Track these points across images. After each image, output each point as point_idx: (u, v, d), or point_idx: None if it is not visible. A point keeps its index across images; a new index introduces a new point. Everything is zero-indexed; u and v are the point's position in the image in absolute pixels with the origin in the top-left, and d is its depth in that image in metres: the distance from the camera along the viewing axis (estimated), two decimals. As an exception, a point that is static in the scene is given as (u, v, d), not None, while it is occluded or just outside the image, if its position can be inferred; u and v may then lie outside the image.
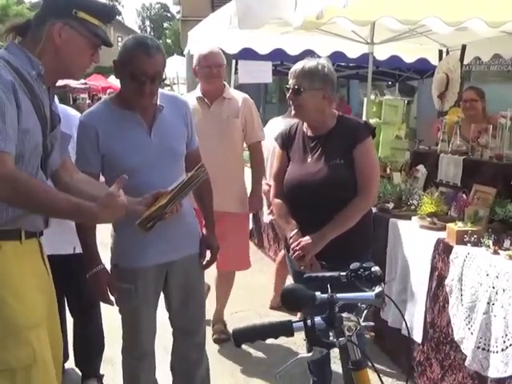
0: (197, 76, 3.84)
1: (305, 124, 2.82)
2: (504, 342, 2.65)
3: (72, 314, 3.21)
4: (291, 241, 2.68)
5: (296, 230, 2.69)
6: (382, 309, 1.51)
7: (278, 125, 4.45)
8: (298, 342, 3.67)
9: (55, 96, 2.09)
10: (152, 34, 61.43)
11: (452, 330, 3.03)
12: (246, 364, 3.72)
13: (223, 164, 3.69)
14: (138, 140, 2.41)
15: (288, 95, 2.72)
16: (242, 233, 4.10)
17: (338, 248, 2.58)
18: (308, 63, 2.67)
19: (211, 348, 2.91)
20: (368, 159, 2.69)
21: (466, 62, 5.52)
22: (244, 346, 3.77)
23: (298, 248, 2.63)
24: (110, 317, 2.80)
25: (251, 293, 4.86)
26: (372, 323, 1.57)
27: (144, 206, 2.18)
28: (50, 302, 2.03)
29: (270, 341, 1.54)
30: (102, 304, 2.55)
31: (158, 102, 2.45)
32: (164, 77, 2.42)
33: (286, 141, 2.86)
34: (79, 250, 2.52)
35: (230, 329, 3.92)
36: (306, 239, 2.62)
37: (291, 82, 2.69)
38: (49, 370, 1.95)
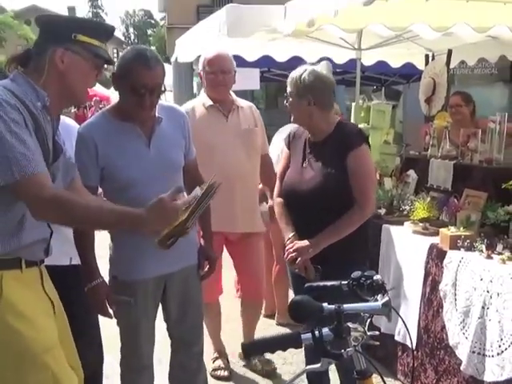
0: (202, 81, 3.55)
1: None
2: (499, 346, 2.67)
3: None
4: (287, 242, 2.70)
5: (293, 233, 2.71)
6: (389, 319, 1.51)
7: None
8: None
9: (59, 125, 2.07)
10: (136, 41, 61.45)
11: (446, 335, 3.05)
12: (244, 373, 3.71)
13: (249, 179, 3.46)
14: (137, 152, 2.40)
15: (286, 102, 2.77)
16: (262, 253, 3.75)
17: (336, 254, 2.57)
18: (295, 71, 2.70)
19: (207, 359, 2.90)
20: (361, 168, 2.62)
21: (451, 66, 5.56)
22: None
23: (292, 250, 2.64)
24: (105, 328, 2.77)
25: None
26: (377, 332, 1.58)
27: None
28: (60, 326, 2.01)
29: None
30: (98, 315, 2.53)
31: (157, 114, 2.44)
32: (164, 88, 2.42)
33: (292, 141, 2.89)
34: (76, 261, 2.50)
35: (226, 338, 3.90)
36: (302, 242, 2.63)
37: (288, 88, 2.74)
38: None
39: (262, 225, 3.60)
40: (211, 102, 3.40)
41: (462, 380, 2.96)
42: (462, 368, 2.90)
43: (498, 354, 2.68)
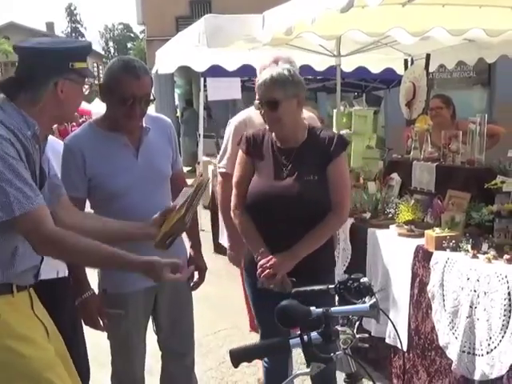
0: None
1: (273, 134, 2.62)
2: (488, 344, 2.68)
3: None
4: (260, 258, 2.50)
5: (263, 248, 2.52)
6: (377, 320, 1.51)
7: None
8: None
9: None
10: (116, 54, 61.36)
11: (436, 336, 3.06)
12: (235, 383, 3.68)
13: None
14: (125, 162, 2.39)
15: (263, 111, 2.51)
16: None
17: (306, 264, 2.48)
18: (274, 71, 2.49)
19: (198, 370, 2.88)
20: (342, 175, 2.59)
21: (431, 70, 5.62)
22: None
23: (268, 266, 2.46)
24: (96, 343, 2.75)
25: (233, 310, 4.82)
26: (366, 335, 1.58)
27: (156, 228, 2.17)
28: (56, 348, 2.00)
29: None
30: (88, 329, 2.50)
31: (144, 124, 2.43)
32: (152, 97, 2.42)
33: (252, 147, 2.64)
34: (62, 274, 2.48)
35: (216, 348, 3.88)
36: (278, 257, 2.46)
37: (262, 95, 2.50)
38: None
39: None
40: None
41: (454, 380, 2.97)
42: (452, 368, 2.91)
43: (487, 353, 2.70)
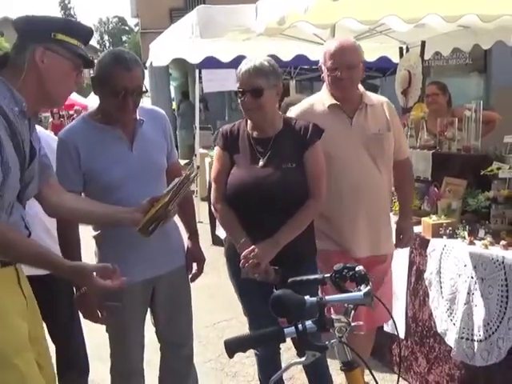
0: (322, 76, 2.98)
1: (249, 125, 2.66)
2: (486, 330, 2.70)
3: (51, 338, 3.14)
4: (242, 249, 2.51)
5: (245, 239, 2.53)
6: (372, 308, 1.51)
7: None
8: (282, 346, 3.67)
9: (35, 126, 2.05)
10: (111, 48, 61.13)
11: (435, 323, 3.07)
12: (234, 374, 3.70)
13: (377, 195, 2.87)
14: (120, 155, 2.39)
15: (245, 99, 2.52)
16: (390, 277, 3.08)
17: (287, 252, 2.50)
18: (255, 61, 2.51)
19: (197, 361, 2.88)
20: (318, 162, 2.62)
21: (426, 58, 5.60)
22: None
23: (251, 256, 2.47)
24: (96, 336, 2.75)
25: (232, 301, 4.81)
26: (361, 322, 1.58)
27: (141, 213, 2.18)
28: (32, 321, 1.99)
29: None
30: (87, 322, 2.50)
31: (138, 116, 2.42)
32: (145, 89, 2.41)
33: (229, 141, 2.66)
34: None
35: (216, 339, 3.89)
36: (260, 246, 2.48)
37: (246, 83, 2.50)
38: None
39: (392, 245, 3.02)
40: (333, 101, 2.84)
41: (454, 366, 2.99)
42: (452, 354, 2.93)
43: (485, 339, 2.71)
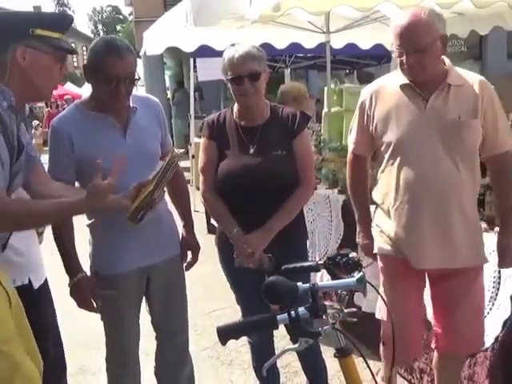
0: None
1: (235, 114, 2.63)
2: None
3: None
4: (234, 239, 2.53)
5: (237, 228, 2.53)
6: (364, 294, 1.52)
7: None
8: (277, 335, 3.68)
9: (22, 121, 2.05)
10: (105, 37, 60.68)
11: (425, 310, 3.06)
12: (230, 362, 3.71)
13: (452, 197, 2.39)
14: (113, 143, 2.37)
15: (243, 84, 2.48)
16: (478, 296, 2.55)
17: (279, 240, 2.52)
18: (245, 48, 2.49)
19: (193, 349, 2.89)
20: (307, 149, 2.66)
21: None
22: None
23: (245, 245, 2.49)
24: (91, 325, 2.75)
25: (228, 290, 4.81)
26: (354, 309, 1.58)
27: (129, 200, 2.18)
28: (16, 317, 1.98)
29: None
30: (82, 312, 2.49)
31: (131, 104, 2.41)
32: (137, 77, 2.40)
33: (215, 131, 2.64)
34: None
35: (211, 328, 3.90)
36: (253, 235, 2.49)
37: (241, 68, 2.47)
38: (34, 380, 1.93)
39: (475, 256, 2.49)
40: (405, 80, 2.42)
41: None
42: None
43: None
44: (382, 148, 2.52)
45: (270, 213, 2.51)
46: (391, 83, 2.50)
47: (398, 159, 2.44)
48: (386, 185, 2.53)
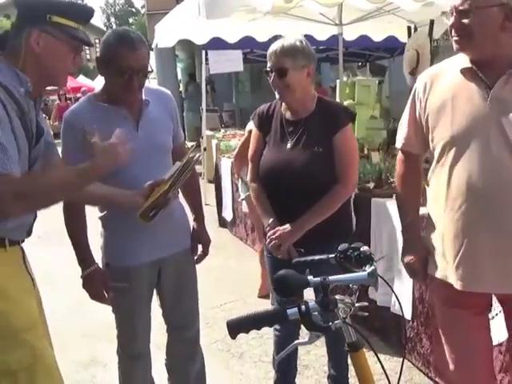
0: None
1: (283, 106, 2.68)
2: (490, 311, 2.67)
3: None
4: (268, 229, 2.61)
5: (273, 219, 2.61)
6: (375, 288, 1.51)
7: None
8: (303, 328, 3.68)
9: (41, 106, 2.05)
10: (117, 29, 60.84)
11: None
12: (240, 355, 3.72)
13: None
14: (125, 135, 2.37)
15: (272, 79, 2.55)
16: None
17: (316, 234, 2.51)
18: (286, 41, 2.52)
19: (204, 342, 2.90)
20: (348, 146, 2.60)
21: (435, 38, 5.52)
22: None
23: (274, 237, 2.56)
24: (103, 317, 2.76)
25: (238, 283, 4.85)
26: (366, 303, 1.56)
27: (142, 198, 2.20)
28: (37, 304, 2.02)
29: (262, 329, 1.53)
30: (94, 304, 2.50)
31: (144, 97, 2.41)
32: (150, 69, 2.39)
33: (264, 121, 2.72)
34: None
35: (222, 320, 3.91)
36: (284, 228, 2.55)
37: (271, 63, 2.53)
38: (53, 368, 1.95)
39: None
40: (467, 63, 2.01)
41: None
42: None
43: (492, 318, 2.68)
44: (433, 144, 2.09)
45: (304, 209, 2.53)
46: (451, 67, 2.06)
47: (450, 159, 2.01)
48: (436, 190, 2.10)
